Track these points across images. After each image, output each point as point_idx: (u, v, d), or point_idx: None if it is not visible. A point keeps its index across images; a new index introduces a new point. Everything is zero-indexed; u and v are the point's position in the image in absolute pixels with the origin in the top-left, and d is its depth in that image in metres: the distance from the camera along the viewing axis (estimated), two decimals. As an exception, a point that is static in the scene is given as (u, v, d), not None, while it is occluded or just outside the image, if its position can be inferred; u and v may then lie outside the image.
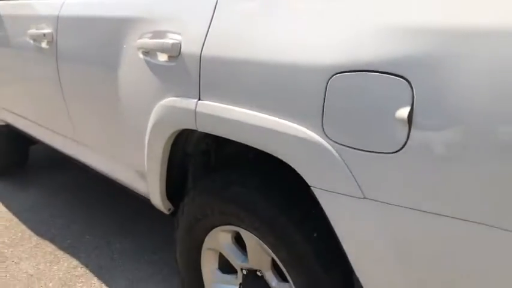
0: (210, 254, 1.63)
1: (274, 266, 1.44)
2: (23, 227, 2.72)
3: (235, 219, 1.42)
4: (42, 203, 2.97)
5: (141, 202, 1.92)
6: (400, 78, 0.92)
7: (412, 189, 0.95)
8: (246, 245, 1.47)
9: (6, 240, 2.59)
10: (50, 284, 2.21)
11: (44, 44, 2.11)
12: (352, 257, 1.11)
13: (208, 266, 1.66)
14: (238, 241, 1.53)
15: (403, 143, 0.93)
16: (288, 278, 1.35)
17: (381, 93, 0.95)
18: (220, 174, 1.49)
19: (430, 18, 0.90)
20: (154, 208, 1.82)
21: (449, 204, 0.90)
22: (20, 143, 3.19)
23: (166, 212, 1.78)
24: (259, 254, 1.43)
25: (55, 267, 2.33)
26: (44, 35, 2.08)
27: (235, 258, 1.55)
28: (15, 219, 2.80)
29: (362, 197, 1.02)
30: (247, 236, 1.43)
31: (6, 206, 2.96)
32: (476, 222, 0.88)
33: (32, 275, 2.28)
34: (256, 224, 1.34)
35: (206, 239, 1.60)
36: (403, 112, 0.91)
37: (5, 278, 2.26)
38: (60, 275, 2.27)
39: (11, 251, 2.49)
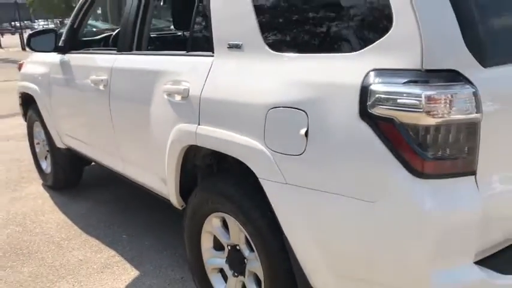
0: (207, 236, 2.30)
1: (247, 241, 2.08)
2: (76, 227, 3.47)
3: (221, 206, 2.09)
4: (90, 211, 3.74)
5: (165, 210, 2.61)
6: (302, 111, 1.60)
7: (310, 176, 1.61)
8: (229, 226, 2.14)
9: (63, 236, 3.34)
10: (95, 266, 2.92)
11: (101, 87, 2.90)
12: (282, 223, 1.76)
13: (206, 245, 2.32)
14: (225, 225, 2.20)
15: (304, 149, 1.60)
16: (254, 247, 2.00)
17: (292, 119, 1.63)
18: (213, 177, 2.18)
19: (313, 77, 1.59)
20: (175, 215, 2.50)
21: (331, 184, 1.55)
22: (77, 164, 4.00)
23: (179, 207, 2.47)
24: (236, 232, 2.09)
25: (98, 255, 3.05)
26: (101, 80, 2.88)
27: (222, 237, 2.21)
28: (69, 222, 3.56)
29: (285, 182, 1.68)
30: (229, 219, 2.10)
31: (63, 213, 3.74)
32: (346, 196, 1.51)
33: (81, 260, 3.01)
34: (233, 209, 2.01)
35: (204, 225, 2.27)
36: (303, 130, 1.59)
37: (63, 261, 2.99)
38: (102, 261, 2.98)
39: (67, 243, 3.23)
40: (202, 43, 2.21)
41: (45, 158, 4.27)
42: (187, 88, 2.14)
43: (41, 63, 3.83)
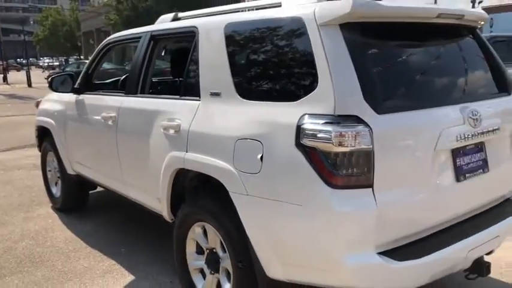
0: (191, 242, 2.88)
1: (221, 244, 2.67)
2: (81, 242, 4.04)
3: (202, 217, 2.69)
4: (94, 230, 4.31)
5: (157, 231, 3.18)
6: (259, 142, 2.23)
7: (264, 189, 2.22)
8: (207, 233, 2.73)
9: (71, 248, 3.91)
10: (98, 272, 3.49)
11: (109, 122, 3.55)
12: (245, 226, 2.35)
13: (190, 250, 2.90)
14: (205, 233, 2.78)
15: (260, 169, 2.22)
16: (226, 248, 2.59)
17: (252, 147, 2.26)
18: (197, 195, 2.79)
19: (266, 118, 2.23)
20: (165, 235, 3.09)
21: (277, 194, 2.16)
22: (83, 189, 4.60)
23: (170, 220, 3.06)
24: (213, 237, 2.68)
25: (101, 264, 3.62)
26: (111, 117, 3.53)
27: (203, 242, 2.80)
28: (76, 238, 4.14)
29: (246, 194, 2.30)
30: (208, 226, 2.69)
31: (71, 230, 4.31)
32: (287, 202, 2.12)
33: (86, 267, 3.57)
34: (210, 218, 2.61)
35: (189, 233, 2.86)
36: (259, 156, 2.21)
37: (70, 267, 3.55)
38: (104, 268, 3.55)
39: (74, 254, 3.80)
40: (191, 90, 2.86)
41: (56, 183, 4.88)
42: (179, 124, 2.78)
43: (58, 101, 4.50)
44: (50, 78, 4.19)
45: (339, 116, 2.01)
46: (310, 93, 2.11)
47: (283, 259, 2.24)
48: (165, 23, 3.50)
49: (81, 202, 4.75)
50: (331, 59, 2.07)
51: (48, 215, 4.74)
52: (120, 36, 3.96)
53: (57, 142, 4.46)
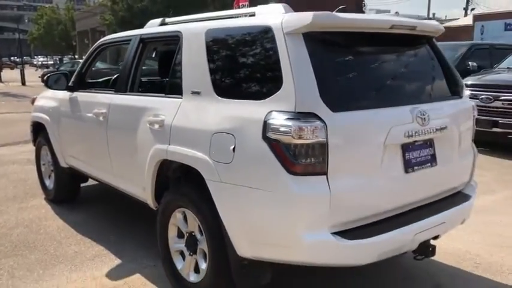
0: (172, 227, 3.17)
1: (199, 228, 2.96)
2: (72, 230, 4.32)
3: (183, 204, 2.99)
4: (85, 219, 4.59)
5: (143, 221, 3.49)
6: (232, 135, 2.53)
7: (235, 176, 2.52)
8: (187, 218, 3.02)
9: (62, 235, 4.19)
10: (87, 256, 3.77)
11: (100, 118, 3.84)
12: (219, 210, 2.65)
13: (172, 234, 3.19)
14: (185, 218, 3.08)
15: (232, 159, 2.52)
16: (203, 231, 2.88)
17: (226, 140, 2.56)
18: (178, 183, 3.08)
19: (239, 114, 2.54)
20: (149, 226, 3.39)
21: (247, 181, 2.46)
22: (75, 181, 4.88)
23: (154, 208, 3.35)
24: (192, 221, 2.98)
25: (90, 249, 3.90)
26: (102, 113, 3.82)
27: (183, 227, 3.09)
28: (67, 226, 4.41)
29: (220, 181, 2.60)
30: (187, 212, 2.99)
31: (63, 219, 4.58)
32: (255, 188, 2.42)
33: (77, 252, 3.85)
34: (190, 204, 2.91)
35: (171, 219, 3.15)
36: (232, 147, 2.52)
37: (62, 252, 3.83)
38: (93, 253, 3.83)
39: (65, 240, 4.08)
40: (175, 88, 3.15)
41: (49, 176, 5.15)
42: (163, 119, 3.08)
43: (52, 98, 4.78)
44: (45, 77, 4.47)
45: (299, 113, 2.31)
46: (275, 92, 2.42)
47: (251, 238, 2.54)
48: (153, 27, 3.80)
49: (72, 194, 5.03)
50: (293, 63, 2.38)
51: (41, 206, 5.01)
52: (112, 38, 4.26)
53: (51, 136, 4.74)
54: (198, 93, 2.91)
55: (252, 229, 2.52)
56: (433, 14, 52.13)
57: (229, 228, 2.62)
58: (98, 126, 3.89)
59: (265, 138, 2.37)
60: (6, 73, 39.17)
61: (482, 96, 7.54)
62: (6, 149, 8.14)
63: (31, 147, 5.55)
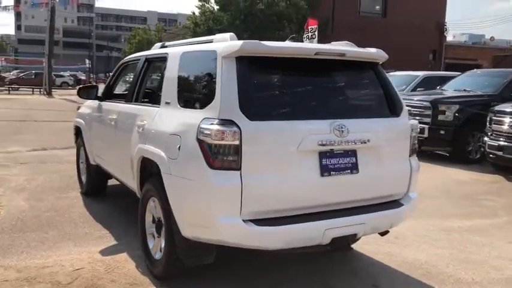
0: (148, 214, 3.82)
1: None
2: (90, 217, 5.12)
3: (153, 193, 3.63)
4: (103, 209, 5.39)
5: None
6: (178, 136, 3.15)
7: (179, 169, 3.12)
8: (156, 205, 3.66)
9: (82, 220, 5.01)
10: (94, 236, 4.52)
11: (112, 123, 4.63)
12: (168, 197, 3.26)
13: (148, 219, 3.84)
14: (156, 205, 3.71)
15: (177, 155, 3.14)
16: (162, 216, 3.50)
17: (175, 141, 3.18)
18: (151, 176, 3.74)
19: (185, 120, 3.16)
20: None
21: (184, 172, 3.06)
22: (102, 177, 5.73)
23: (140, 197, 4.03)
24: (159, 208, 3.60)
25: (98, 232, 4.66)
26: (113, 118, 4.61)
27: (154, 213, 3.73)
28: (87, 214, 5.23)
29: (170, 173, 3.21)
30: (155, 200, 3.62)
31: (86, 208, 5.43)
32: (187, 179, 3.02)
33: (87, 233, 4.63)
34: (156, 193, 3.54)
35: (147, 206, 3.80)
36: (178, 146, 3.13)
37: (75, 232, 4.63)
38: (99, 234, 4.58)
39: (82, 224, 4.88)
40: (157, 99, 3.84)
41: (84, 173, 6.05)
42: (144, 124, 3.77)
43: (88, 106, 5.70)
44: (78, 88, 5.39)
45: (221, 119, 2.88)
46: (210, 103, 3.01)
47: (188, 221, 3.12)
48: (156, 49, 4.55)
49: (99, 188, 5.89)
50: (223, 80, 2.97)
51: (75, 197, 5.91)
52: (130, 58, 5.09)
53: (84, 138, 5.64)
54: (169, 103, 3.57)
55: (188, 213, 3.10)
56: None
57: (175, 213, 3.21)
58: (111, 129, 4.69)
59: (197, 139, 2.96)
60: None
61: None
62: (69, 151, 9.31)
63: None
